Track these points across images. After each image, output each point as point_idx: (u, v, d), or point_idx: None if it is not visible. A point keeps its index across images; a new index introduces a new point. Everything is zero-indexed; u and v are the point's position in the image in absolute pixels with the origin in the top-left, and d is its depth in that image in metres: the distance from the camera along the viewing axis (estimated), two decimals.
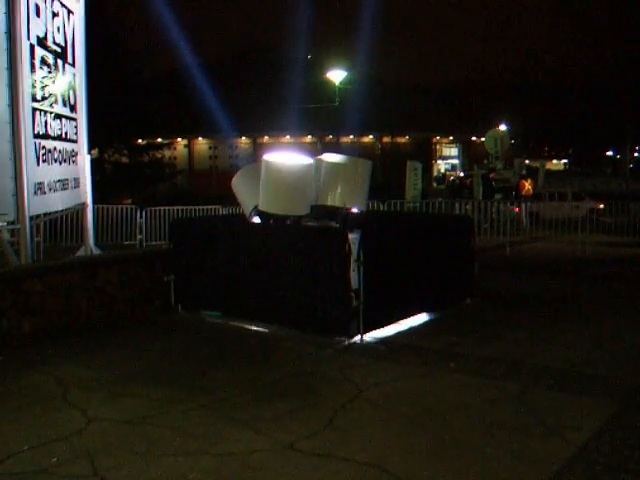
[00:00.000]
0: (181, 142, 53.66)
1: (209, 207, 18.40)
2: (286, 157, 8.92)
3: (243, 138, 54.18)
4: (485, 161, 28.02)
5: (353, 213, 8.75)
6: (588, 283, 11.63)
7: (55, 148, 9.88)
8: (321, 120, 43.63)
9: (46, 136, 9.53)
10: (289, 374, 6.49)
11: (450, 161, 62.03)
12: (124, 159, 32.92)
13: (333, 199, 8.75)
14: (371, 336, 7.67)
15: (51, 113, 9.72)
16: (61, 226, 16.39)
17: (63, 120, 10.27)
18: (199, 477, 4.36)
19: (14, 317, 7.54)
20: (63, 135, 10.31)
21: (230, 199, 20.75)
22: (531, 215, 18.24)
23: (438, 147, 61.15)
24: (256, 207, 8.86)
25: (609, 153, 71.71)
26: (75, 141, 10.93)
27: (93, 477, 4.35)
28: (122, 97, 29.57)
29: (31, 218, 9.08)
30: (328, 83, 34.27)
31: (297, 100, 41.85)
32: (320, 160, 9.00)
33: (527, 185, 23.70)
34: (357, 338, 7.56)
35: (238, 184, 9.23)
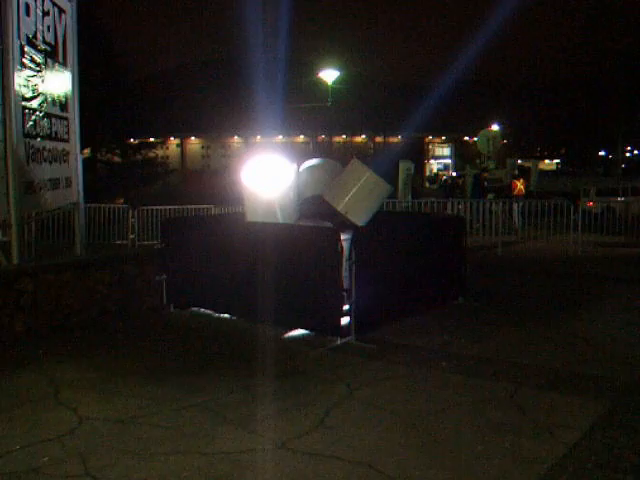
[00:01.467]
0: (174, 141, 53.69)
1: (201, 207, 18.38)
2: (266, 173, 8.84)
3: (236, 137, 54.18)
4: (477, 161, 28.12)
5: (349, 220, 8.71)
6: (580, 283, 11.67)
7: (45, 147, 9.84)
8: (314, 120, 43.67)
9: (36, 135, 9.49)
10: (281, 373, 6.49)
11: (442, 161, 62.29)
12: (117, 158, 32.82)
13: (338, 201, 8.73)
14: (363, 335, 7.67)
15: (41, 112, 9.68)
16: (53, 225, 16.36)
17: (53, 119, 10.22)
18: (191, 476, 4.35)
19: (6, 316, 7.52)
20: (53, 134, 10.25)
21: (222, 199, 20.75)
22: (608, 210, 17.94)
23: (430, 147, 61.40)
24: None
25: (601, 153, 71.92)
26: (66, 140, 10.88)
27: (85, 476, 4.34)
28: (115, 96, 29.52)
29: (22, 217, 9.05)
30: (321, 83, 34.30)
31: (290, 100, 41.86)
32: (350, 163, 9.13)
33: (519, 185, 23.72)
34: (349, 337, 7.56)
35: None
